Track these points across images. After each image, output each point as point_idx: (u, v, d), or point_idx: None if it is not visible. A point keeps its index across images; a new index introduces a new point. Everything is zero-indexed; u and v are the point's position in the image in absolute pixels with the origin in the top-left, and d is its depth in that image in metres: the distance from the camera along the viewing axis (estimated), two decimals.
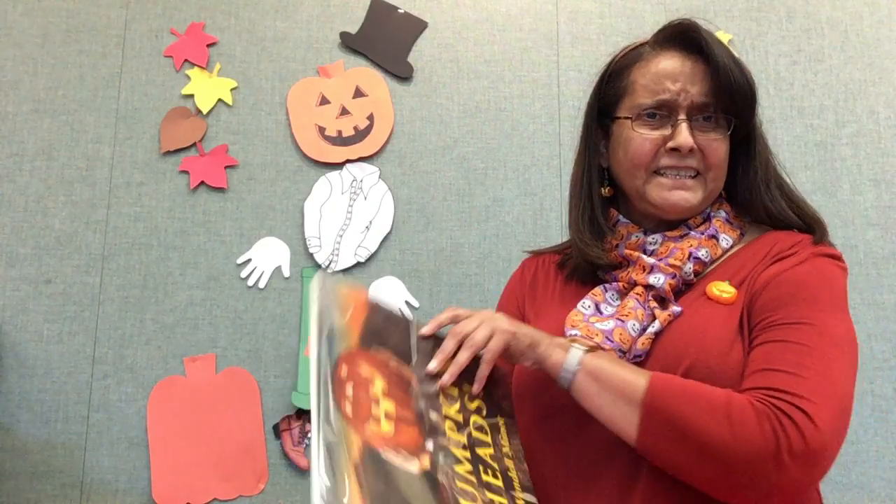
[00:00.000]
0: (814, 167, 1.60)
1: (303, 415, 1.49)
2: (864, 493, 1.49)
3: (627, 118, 0.93)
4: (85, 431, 1.48)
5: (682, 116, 0.90)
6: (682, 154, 0.90)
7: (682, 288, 0.91)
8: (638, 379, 0.77)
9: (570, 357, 0.81)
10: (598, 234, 0.97)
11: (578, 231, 0.99)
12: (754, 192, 0.93)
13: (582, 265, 0.98)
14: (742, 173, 0.95)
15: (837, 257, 0.89)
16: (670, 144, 0.90)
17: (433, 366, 0.81)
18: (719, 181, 0.92)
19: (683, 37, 0.93)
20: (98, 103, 1.59)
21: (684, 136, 0.89)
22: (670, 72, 0.92)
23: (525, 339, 0.82)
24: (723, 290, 0.86)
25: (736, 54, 0.93)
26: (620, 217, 0.96)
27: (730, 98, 0.90)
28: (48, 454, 1.46)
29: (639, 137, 0.93)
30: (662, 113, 0.92)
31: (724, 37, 1.63)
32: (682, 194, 0.91)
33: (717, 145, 0.90)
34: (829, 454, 0.73)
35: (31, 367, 1.49)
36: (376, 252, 1.55)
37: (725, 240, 0.93)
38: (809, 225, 0.93)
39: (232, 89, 1.60)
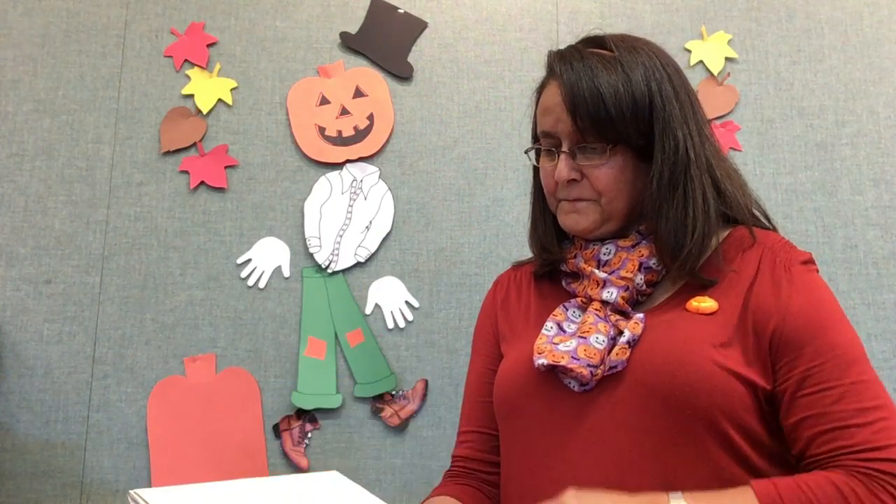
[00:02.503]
0: (814, 167, 1.60)
1: (303, 415, 1.49)
2: None
3: (538, 147, 0.97)
4: (85, 431, 1.48)
5: (564, 148, 0.91)
6: (562, 186, 0.92)
7: (641, 299, 0.92)
8: (745, 497, 0.75)
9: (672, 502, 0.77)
10: (559, 242, 1.01)
11: (536, 241, 1.03)
12: (653, 196, 0.90)
13: (549, 271, 1.01)
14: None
15: (810, 260, 0.90)
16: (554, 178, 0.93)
17: None
18: (616, 202, 0.91)
19: (552, 68, 0.94)
20: (98, 103, 1.59)
21: (559, 169, 0.91)
22: (547, 105, 0.93)
23: None
24: (701, 301, 0.87)
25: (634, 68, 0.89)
26: None
27: (591, 123, 0.88)
28: (48, 454, 1.46)
29: (542, 169, 0.97)
30: (553, 143, 0.94)
31: (723, 37, 1.63)
32: (573, 217, 0.93)
33: (600, 171, 0.90)
34: None
35: (31, 367, 1.49)
36: (376, 252, 1.55)
37: None
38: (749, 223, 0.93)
39: (232, 89, 1.60)
